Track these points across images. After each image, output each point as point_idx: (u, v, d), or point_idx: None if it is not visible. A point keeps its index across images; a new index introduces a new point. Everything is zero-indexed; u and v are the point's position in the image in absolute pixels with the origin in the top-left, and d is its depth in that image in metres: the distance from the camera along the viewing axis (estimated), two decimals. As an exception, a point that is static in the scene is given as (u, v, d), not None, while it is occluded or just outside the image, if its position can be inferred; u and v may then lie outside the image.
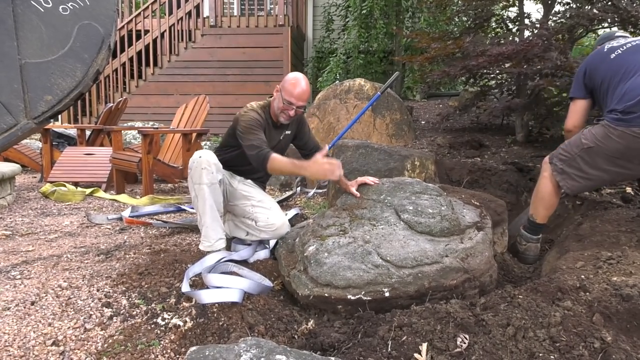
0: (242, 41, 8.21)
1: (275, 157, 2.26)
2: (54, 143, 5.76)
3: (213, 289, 1.99)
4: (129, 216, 3.39)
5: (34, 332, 1.74)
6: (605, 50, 2.53)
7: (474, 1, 5.08)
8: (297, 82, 2.42)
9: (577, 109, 2.72)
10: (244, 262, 2.37)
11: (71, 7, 1.79)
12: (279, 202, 3.86)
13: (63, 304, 1.93)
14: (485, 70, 5.08)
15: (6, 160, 5.34)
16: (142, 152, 4.36)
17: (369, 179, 2.54)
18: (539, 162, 3.53)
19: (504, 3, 5.39)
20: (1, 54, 1.72)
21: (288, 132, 2.64)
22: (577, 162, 2.47)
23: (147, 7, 8.50)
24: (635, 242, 2.37)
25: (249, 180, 2.62)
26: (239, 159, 2.51)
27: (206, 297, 1.92)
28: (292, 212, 3.22)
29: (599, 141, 2.36)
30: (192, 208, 3.56)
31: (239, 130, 2.39)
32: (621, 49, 2.46)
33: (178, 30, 8.44)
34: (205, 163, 2.29)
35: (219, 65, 8.26)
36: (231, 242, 2.62)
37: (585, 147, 2.41)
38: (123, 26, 8.42)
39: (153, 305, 1.93)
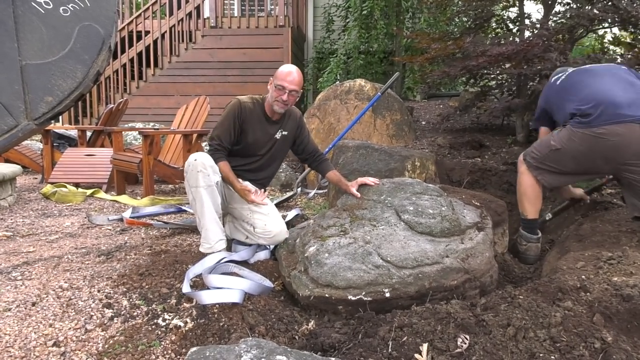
0: (242, 42, 8.22)
1: (221, 165, 2.39)
2: (54, 144, 5.76)
3: (214, 289, 1.99)
4: (130, 217, 3.39)
5: (34, 332, 1.74)
6: (552, 81, 2.77)
7: (474, 1, 5.08)
8: (287, 68, 2.49)
9: (543, 134, 2.89)
10: (244, 263, 2.37)
11: (72, 9, 1.80)
12: (279, 203, 3.87)
13: (64, 305, 1.94)
14: (485, 71, 5.08)
15: (7, 161, 5.35)
16: (143, 153, 4.37)
17: (369, 180, 2.54)
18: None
19: (504, 3, 5.40)
20: (2, 55, 1.72)
21: (285, 132, 2.64)
22: (548, 161, 2.63)
23: (148, 8, 8.51)
24: (635, 242, 2.37)
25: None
26: (236, 159, 2.52)
27: (207, 297, 1.92)
28: (292, 213, 3.22)
29: (564, 143, 2.52)
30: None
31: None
32: (564, 74, 2.70)
33: (178, 31, 8.44)
34: (201, 166, 2.30)
35: (219, 66, 8.26)
36: (232, 242, 2.62)
37: (554, 148, 2.57)
38: (123, 27, 8.42)
39: (154, 306, 1.93)
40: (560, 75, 2.74)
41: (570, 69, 2.74)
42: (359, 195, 2.49)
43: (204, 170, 2.30)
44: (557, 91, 2.67)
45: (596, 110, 2.37)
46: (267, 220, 2.47)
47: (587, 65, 2.77)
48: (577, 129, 2.45)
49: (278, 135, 2.62)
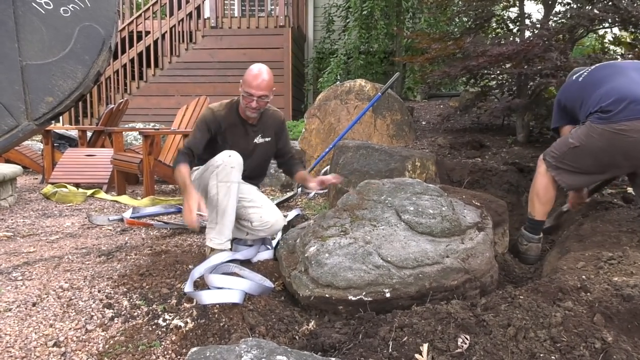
0: (242, 42, 8.22)
1: (180, 168, 2.30)
2: (55, 144, 5.77)
3: (214, 289, 1.99)
4: (130, 217, 3.39)
5: (35, 333, 1.75)
6: (574, 79, 2.70)
7: (475, 2, 5.07)
8: (254, 72, 2.38)
9: (565, 132, 2.80)
10: (245, 263, 2.37)
11: (72, 9, 1.80)
12: (280, 203, 3.87)
13: (64, 305, 1.94)
14: (485, 71, 5.07)
15: (7, 161, 5.35)
16: (143, 153, 4.37)
17: (331, 178, 2.55)
18: (540, 163, 3.53)
19: (505, 3, 5.39)
20: (2, 55, 1.72)
21: (267, 139, 2.60)
22: (567, 160, 2.56)
23: (148, 8, 8.51)
24: (636, 242, 2.37)
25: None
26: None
27: (207, 298, 1.92)
28: (293, 213, 3.22)
29: (583, 140, 2.45)
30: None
31: None
32: (586, 71, 2.63)
33: (179, 32, 8.44)
34: (235, 162, 2.30)
35: (219, 66, 8.26)
36: (232, 242, 2.62)
37: (572, 146, 2.51)
38: (124, 27, 8.43)
39: (154, 306, 1.93)
40: (582, 72, 2.66)
41: (592, 67, 2.66)
42: (317, 187, 2.55)
43: (237, 167, 2.31)
44: (580, 88, 2.58)
45: (618, 106, 2.29)
46: (262, 212, 2.49)
47: (611, 61, 2.70)
48: (596, 124, 2.37)
49: (258, 141, 2.58)
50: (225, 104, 2.54)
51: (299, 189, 4.40)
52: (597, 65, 2.66)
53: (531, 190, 2.77)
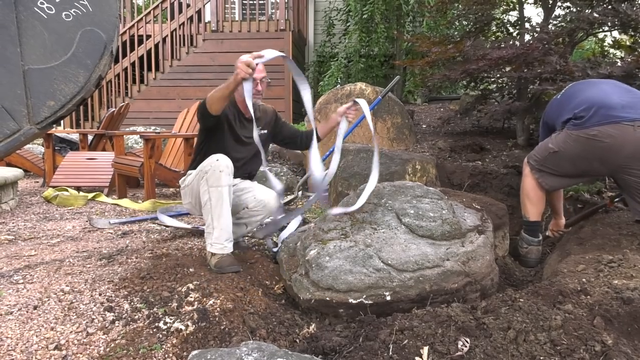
0: (243, 46, 8.24)
1: (210, 93, 2.33)
2: (56, 148, 5.78)
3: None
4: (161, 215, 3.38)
5: (36, 336, 1.75)
6: (554, 97, 2.87)
7: (475, 5, 5.08)
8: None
9: None
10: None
11: (74, 14, 1.81)
12: (280, 206, 3.87)
13: (65, 308, 1.94)
14: (485, 74, 5.07)
15: (9, 165, 5.37)
16: (144, 156, 4.38)
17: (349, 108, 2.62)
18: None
19: (505, 7, 5.41)
20: (4, 59, 1.73)
21: (265, 131, 2.69)
22: (548, 164, 2.66)
23: (149, 12, 8.54)
24: (636, 245, 2.37)
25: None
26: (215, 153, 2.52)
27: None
28: (294, 224, 3.21)
29: (561, 146, 2.56)
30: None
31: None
32: (564, 89, 2.80)
33: (180, 35, 8.47)
34: (224, 166, 2.31)
35: (220, 69, 8.29)
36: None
37: (552, 151, 2.61)
38: (125, 31, 8.46)
39: (155, 309, 1.93)
40: (561, 91, 2.82)
41: (569, 85, 2.83)
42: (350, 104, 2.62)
43: (226, 170, 2.31)
44: (558, 104, 2.74)
45: (589, 112, 2.42)
46: (255, 193, 2.59)
47: (586, 79, 2.90)
48: (571, 131, 2.50)
49: (256, 134, 2.60)
50: None
51: (300, 192, 4.41)
52: (573, 83, 2.84)
53: (521, 192, 2.84)
